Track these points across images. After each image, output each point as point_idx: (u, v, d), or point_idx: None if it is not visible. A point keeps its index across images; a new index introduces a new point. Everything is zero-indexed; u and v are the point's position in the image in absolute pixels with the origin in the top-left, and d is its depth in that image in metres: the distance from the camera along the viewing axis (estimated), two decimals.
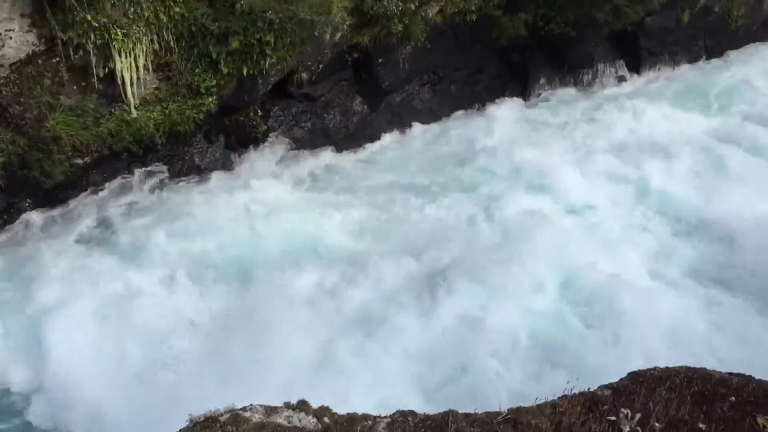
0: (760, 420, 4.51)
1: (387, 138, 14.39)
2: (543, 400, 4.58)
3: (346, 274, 10.37)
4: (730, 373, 5.02)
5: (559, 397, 4.61)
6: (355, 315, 9.66)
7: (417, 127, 14.76)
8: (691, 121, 14.56)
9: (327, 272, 10.38)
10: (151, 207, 11.81)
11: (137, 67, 10.98)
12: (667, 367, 4.94)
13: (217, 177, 12.64)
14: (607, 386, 4.74)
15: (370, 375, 8.74)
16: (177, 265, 10.48)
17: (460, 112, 15.34)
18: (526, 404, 4.73)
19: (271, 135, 13.46)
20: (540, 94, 15.92)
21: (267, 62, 11.87)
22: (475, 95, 15.57)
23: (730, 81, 16.12)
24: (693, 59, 17.00)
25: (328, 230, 11.37)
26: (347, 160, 13.66)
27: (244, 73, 11.83)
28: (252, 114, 13.15)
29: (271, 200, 12.00)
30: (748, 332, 9.37)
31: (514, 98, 15.73)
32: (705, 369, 4.98)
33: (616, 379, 4.83)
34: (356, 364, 8.85)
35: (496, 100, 15.58)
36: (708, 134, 14.10)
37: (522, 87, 15.92)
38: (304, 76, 13.19)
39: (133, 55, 10.85)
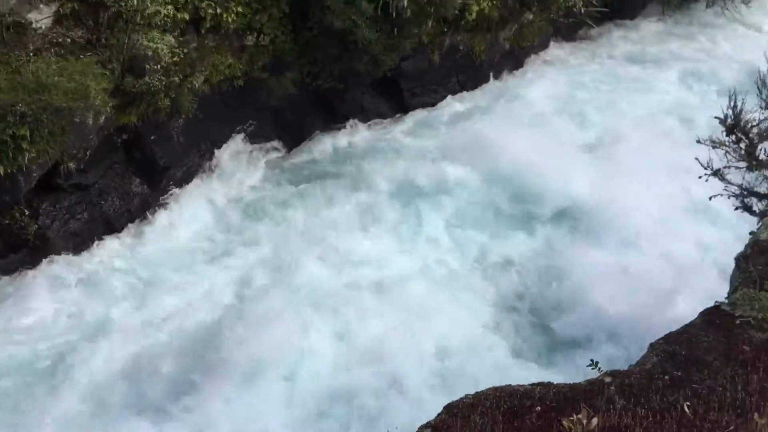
0: (565, 422, 4.88)
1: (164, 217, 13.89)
2: None
3: None
4: (533, 384, 5.39)
5: None
6: None
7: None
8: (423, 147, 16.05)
9: None
10: None
11: None
12: (477, 392, 5.20)
13: None
14: (426, 425, 4.88)
15: None
16: None
17: None
18: None
19: (45, 233, 12.45)
20: (310, 146, 16.31)
21: (26, 157, 10.98)
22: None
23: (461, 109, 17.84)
24: (449, 93, 18.35)
25: None
26: (132, 246, 13.01)
27: (1, 172, 10.88)
28: (18, 215, 12.02)
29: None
30: None
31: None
32: (510, 386, 5.30)
33: (434, 416, 5.00)
34: None
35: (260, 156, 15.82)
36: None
37: (297, 142, 16.28)
38: (72, 165, 12.37)
39: None
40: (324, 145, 16.25)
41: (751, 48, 20.58)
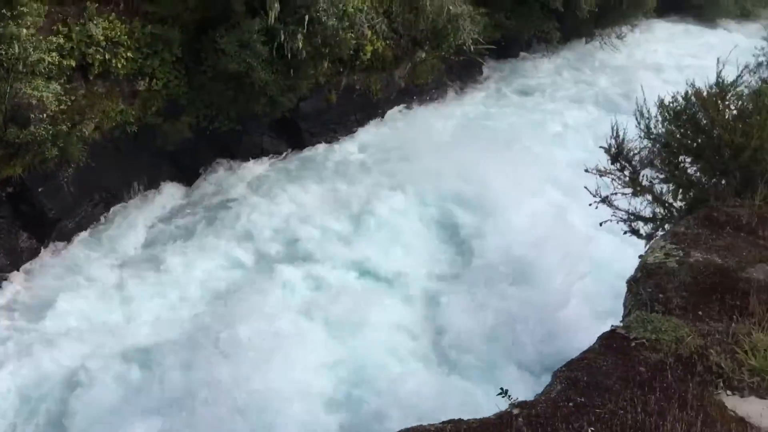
0: None
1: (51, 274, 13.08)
2: None
3: None
4: (444, 422, 5.39)
5: None
6: None
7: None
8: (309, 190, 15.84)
9: None
10: None
11: None
12: None
13: None
14: None
15: None
16: None
17: None
18: None
19: None
20: (205, 191, 15.91)
21: None
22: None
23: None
24: (348, 132, 18.54)
25: None
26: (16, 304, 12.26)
27: None
28: None
29: None
30: None
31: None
32: (422, 425, 5.27)
33: None
34: None
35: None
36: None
37: (192, 185, 16.03)
38: None
39: None
40: (220, 189, 15.86)
41: (629, 77, 22.06)
